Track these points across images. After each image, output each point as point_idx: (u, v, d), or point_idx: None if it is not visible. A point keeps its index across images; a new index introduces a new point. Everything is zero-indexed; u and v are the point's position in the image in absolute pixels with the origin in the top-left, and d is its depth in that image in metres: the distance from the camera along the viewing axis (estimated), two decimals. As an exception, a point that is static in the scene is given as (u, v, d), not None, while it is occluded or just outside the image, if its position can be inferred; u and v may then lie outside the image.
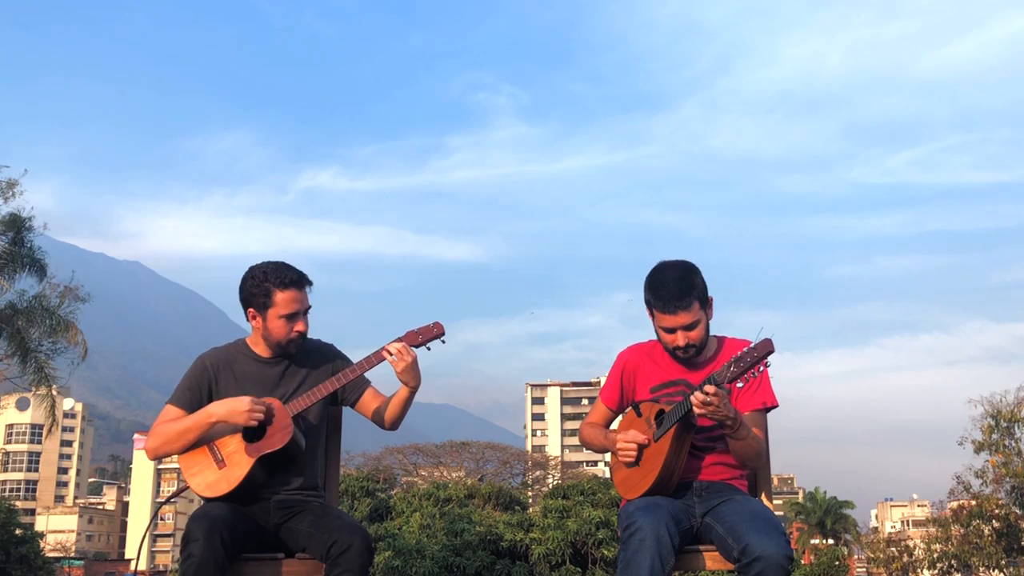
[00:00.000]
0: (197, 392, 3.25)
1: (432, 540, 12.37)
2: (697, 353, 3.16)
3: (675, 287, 3.07)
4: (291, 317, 3.23)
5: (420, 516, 13.42)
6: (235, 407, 3.10)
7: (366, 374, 3.34)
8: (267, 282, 3.22)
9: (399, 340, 3.24)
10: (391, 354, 3.20)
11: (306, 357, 3.34)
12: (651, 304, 3.14)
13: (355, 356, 3.38)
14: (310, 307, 3.30)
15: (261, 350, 3.32)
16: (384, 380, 3.40)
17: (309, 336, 3.37)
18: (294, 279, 3.25)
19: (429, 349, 3.28)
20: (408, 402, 3.30)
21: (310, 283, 3.30)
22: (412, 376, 3.22)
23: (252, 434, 3.15)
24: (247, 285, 3.27)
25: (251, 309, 3.27)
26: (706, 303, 3.13)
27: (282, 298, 3.22)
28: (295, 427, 3.16)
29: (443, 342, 3.30)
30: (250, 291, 3.25)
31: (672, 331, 3.11)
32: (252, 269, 3.29)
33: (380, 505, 14.58)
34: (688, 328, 3.09)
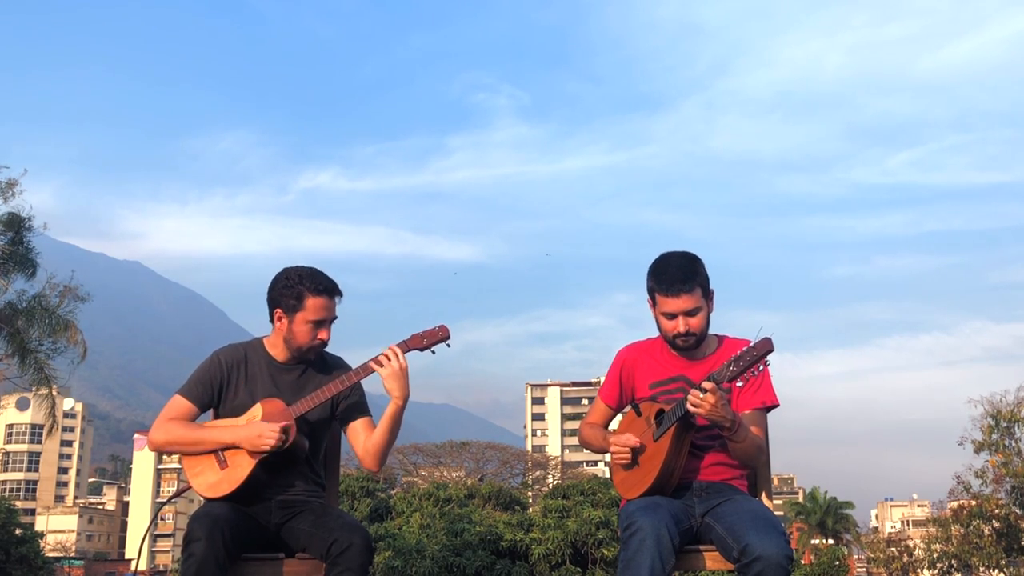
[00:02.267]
0: (208, 387, 3.24)
1: (432, 540, 12.36)
2: (696, 344, 3.15)
3: (679, 272, 3.08)
4: (318, 324, 3.22)
5: (420, 516, 13.41)
6: (251, 434, 3.09)
7: (369, 404, 3.33)
8: (301, 285, 3.21)
9: (397, 345, 3.23)
10: (386, 359, 3.17)
11: (322, 367, 3.34)
12: (653, 290, 3.14)
13: (352, 357, 3.38)
14: (336, 317, 3.28)
15: (278, 353, 3.31)
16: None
17: (329, 350, 3.38)
18: (328, 287, 3.24)
19: (434, 353, 3.26)
20: (395, 421, 3.20)
21: (341, 294, 3.28)
22: (398, 385, 3.17)
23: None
24: (279, 285, 3.25)
25: (278, 310, 3.25)
26: (708, 294, 3.14)
27: (313, 303, 3.21)
28: (297, 429, 3.16)
29: (448, 346, 3.26)
30: (281, 291, 3.24)
31: (673, 316, 3.10)
32: (287, 270, 3.28)
33: (380, 505, 14.57)
34: (689, 314, 3.09)
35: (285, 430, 3.10)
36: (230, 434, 3.13)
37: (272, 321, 3.29)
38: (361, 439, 3.27)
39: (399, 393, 3.18)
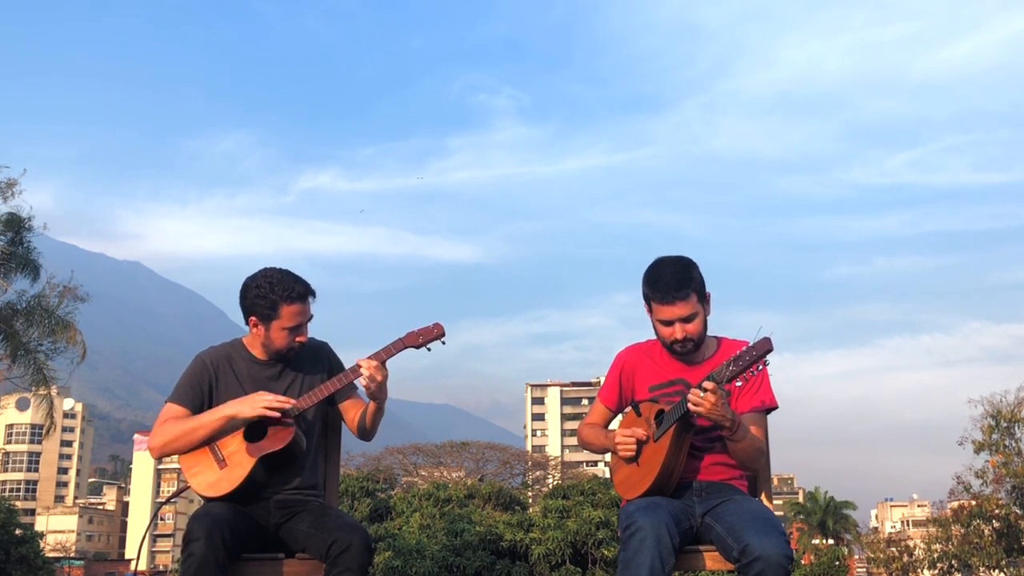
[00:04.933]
0: (198, 390, 3.24)
1: (432, 540, 12.36)
2: (695, 348, 3.15)
3: (673, 279, 3.07)
4: (294, 329, 3.23)
5: (420, 516, 13.41)
6: (252, 399, 3.12)
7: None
8: (273, 294, 3.19)
9: (386, 350, 3.21)
10: (367, 375, 3.15)
11: (301, 358, 3.34)
12: (649, 297, 3.13)
13: (352, 357, 3.37)
14: (312, 316, 3.29)
15: (258, 352, 3.32)
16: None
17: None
18: (301, 292, 3.22)
19: (430, 350, 3.26)
20: (380, 414, 3.29)
21: (314, 294, 3.28)
22: (380, 393, 3.21)
23: (253, 434, 3.15)
24: (251, 294, 3.23)
25: (253, 317, 3.24)
26: (704, 298, 3.13)
27: (288, 311, 3.20)
28: (296, 427, 3.17)
29: (443, 343, 3.28)
30: (254, 301, 3.22)
31: (670, 324, 3.10)
32: (257, 278, 3.24)
33: (380, 505, 14.57)
34: (686, 320, 3.08)
35: (288, 414, 3.13)
36: (226, 408, 3.13)
37: (247, 326, 3.29)
38: (351, 414, 3.35)
39: (382, 397, 3.23)
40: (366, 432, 3.32)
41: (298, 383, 3.29)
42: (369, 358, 3.20)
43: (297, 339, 3.24)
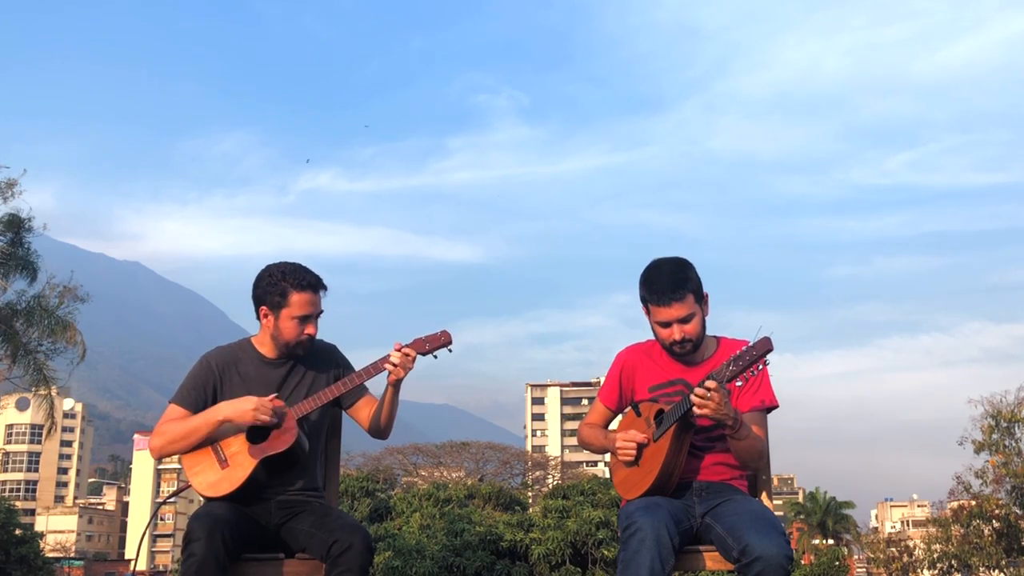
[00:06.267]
0: (201, 392, 3.24)
1: (432, 540, 12.37)
2: (694, 349, 3.15)
3: (669, 280, 3.07)
4: (304, 319, 3.23)
5: (420, 516, 13.43)
6: (241, 406, 3.11)
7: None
8: (284, 282, 3.22)
9: (406, 347, 3.22)
10: (395, 364, 3.17)
11: (310, 359, 3.34)
12: (646, 300, 3.13)
13: (353, 357, 3.40)
14: (322, 311, 3.29)
15: (267, 350, 3.32)
16: (374, 383, 3.39)
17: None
18: (311, 282, 3.25)
19: (436, 357, 3.26)
20: (397, 399, 3.26)
21: (325, 287, 3.30)
22: (402, 379, 3.21)
23: (256, 435, 3.16)
24: (263, 283, 3.26)
25: (263, 307, 3.26)
26: (701, 298, 3.13)
27: (297, 299, 3.22)
28: (299, 429, 3.17)
29: (450, 351, 3.27)
30: (265, 289, 3.24)
31: (668, 325, 3.10)
32: (270, 267, 3.29)
33: (380, 505, 14.59)
34: (684, 321, 3.08)
35: (279, 411, 3.12)
36: (219, 411, 3.14)
37: (258, 318, 3.30)
38: (366, 413, 3.32)
39: (399, 382, 3.22)
40: (380, 429, 3.30)
41: (305, 384, 3.29)
42: (375, 364, 3.22)
43: (306, 331, 3.25)
